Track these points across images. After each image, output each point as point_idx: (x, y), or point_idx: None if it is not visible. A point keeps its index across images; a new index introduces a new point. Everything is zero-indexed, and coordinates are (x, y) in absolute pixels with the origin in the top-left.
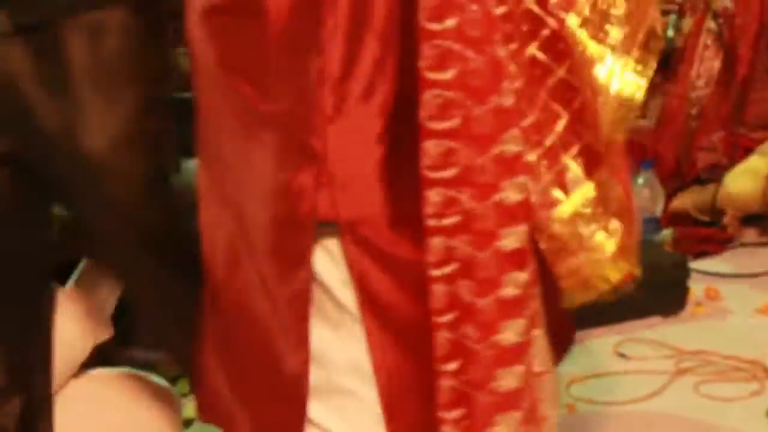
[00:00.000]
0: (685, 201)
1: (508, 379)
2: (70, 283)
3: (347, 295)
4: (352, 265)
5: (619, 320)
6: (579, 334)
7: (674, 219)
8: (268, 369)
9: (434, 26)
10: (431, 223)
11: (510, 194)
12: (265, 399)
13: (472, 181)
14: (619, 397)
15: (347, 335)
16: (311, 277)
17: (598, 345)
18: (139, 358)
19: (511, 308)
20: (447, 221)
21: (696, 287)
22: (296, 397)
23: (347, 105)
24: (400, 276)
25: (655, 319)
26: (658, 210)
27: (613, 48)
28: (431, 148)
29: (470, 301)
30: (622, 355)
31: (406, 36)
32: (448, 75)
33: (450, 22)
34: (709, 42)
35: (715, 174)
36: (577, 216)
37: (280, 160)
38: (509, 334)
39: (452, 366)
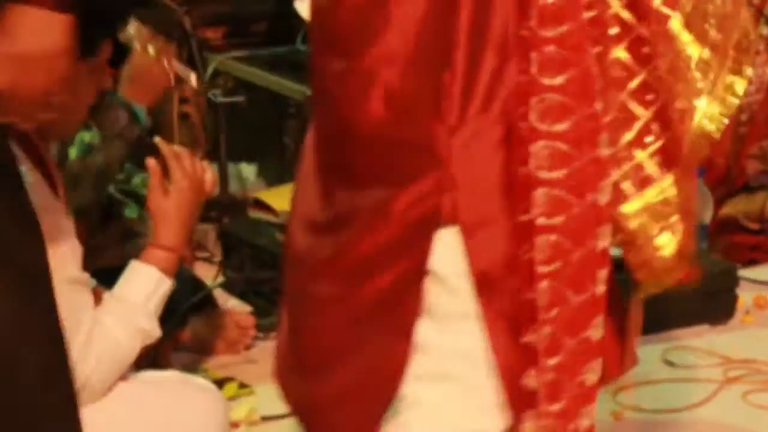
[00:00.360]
0: (734, 208)
1: (591, 374)
2: (118, 284)
3: (463, 286)
4: (473, 266)
5: (667, 328)
6: None
7: (723, 226)
8: (361, 362)
9: (545, 33)
10: (540, 221)
11: (603, 195)
12: (355, 390)
13: (574, 183)
14: (667, 405)
15: (460, 325)
16: (424, 274)
17: (646, 352)
18: (186, 360)
19: (600, 305)
20: (554, 221)
21: (745, 295)
22: (388, 388)
23: (469, 114)
24: (517, 275)
25: (704, 327)
26: (707, 217)
27: (713, 46)
28: (540, 149)
29: (569, 298)
30: (669, 363)
31: (521, 43)
32: (557, 80)
33: (563, 29)
34: (761, 48)
35: (765, 181)
36: (645, 212)
37: (402, 169)
38: (597, 330)
39: (553, 361)
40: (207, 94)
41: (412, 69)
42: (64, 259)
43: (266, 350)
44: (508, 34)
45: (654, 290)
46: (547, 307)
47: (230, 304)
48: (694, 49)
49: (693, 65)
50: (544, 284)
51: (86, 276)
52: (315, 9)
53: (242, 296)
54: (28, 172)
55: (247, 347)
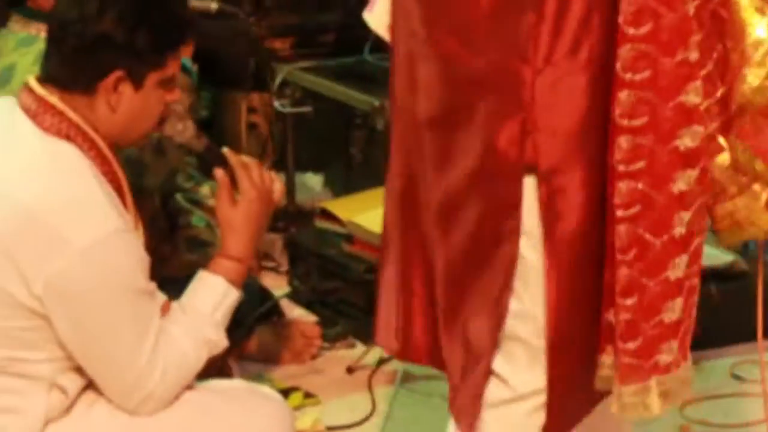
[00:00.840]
0: None
1: (671, 313)
2: (185, 294)
3: (531, 247)
4: (544, 213)
5: (735, 341)
6: (694, 355)
7: None
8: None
9: None
10: (620, 168)
11: (686, 141)
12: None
13: (657, 129)
14: (735, 420)
15: (529, 285)
16: (520, 221)
17: (714, 366)
18: (252, 370)
19: (678, 246)
20: (634, 166)
21: None
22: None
23: (555, 58)
24: (587, 220)
25: None
26: None
27: None
28: (624, 98)
29: (648, 240)
30: (737, 377)
31: None
32: (643, 30)
33: None
34: None
35: None
36: (738, 163)
37: (489, 111)
38: (677, 270)
39: (630, 301)
40: (274, 104)
41: (497, 4)
42: (132, 269)
43: (332, 360)
44: None
45: (732, 241)
46: (623, 250)
47: (296, 314)
48: (751, 17)
49: (749, 37)
50: (622, 227)
51: (153, 286)
52: None
53: (308, 306)
54: (102, 186)
55: (313, 357)
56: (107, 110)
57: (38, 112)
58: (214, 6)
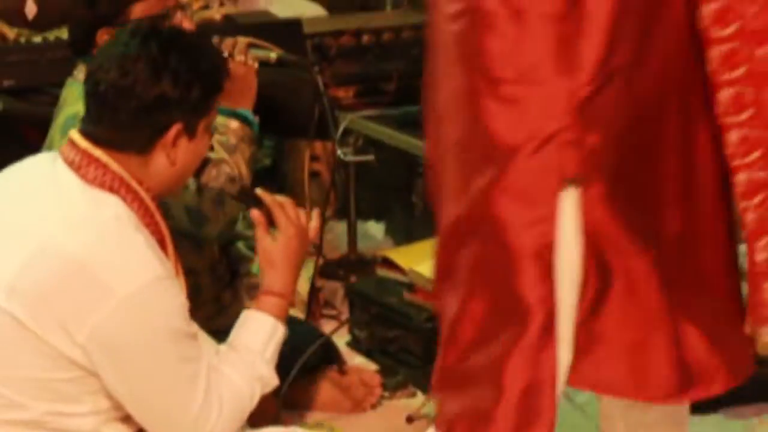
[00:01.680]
0: None
1: None
2: (233, 333)
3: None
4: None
5: None
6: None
7: None
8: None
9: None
10: (736, 162)
11: None
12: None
13: (763, 118)
14: None
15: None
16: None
17: None
18: (311, 418)
19: None
20: (750, 158)
21: None
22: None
23: (593, 73)
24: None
25: None
26: None
27: None
28: (723, 96)
29: None
30: None
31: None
32: (730, 30)
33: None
34: None
35: None
36: None
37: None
38: None
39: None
40: (337, 152)
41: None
42: (174, 313)
43: (392, 409)
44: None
45: None
46: (757, 235)
47: (356, 362)
48: None
49: None
50: (749, 215)
51: (195, 328)
52: None
53: (368, 354)
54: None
55: (373, 406)
56: (166, 164)
57: (81, 165)
58: (273, 55)
